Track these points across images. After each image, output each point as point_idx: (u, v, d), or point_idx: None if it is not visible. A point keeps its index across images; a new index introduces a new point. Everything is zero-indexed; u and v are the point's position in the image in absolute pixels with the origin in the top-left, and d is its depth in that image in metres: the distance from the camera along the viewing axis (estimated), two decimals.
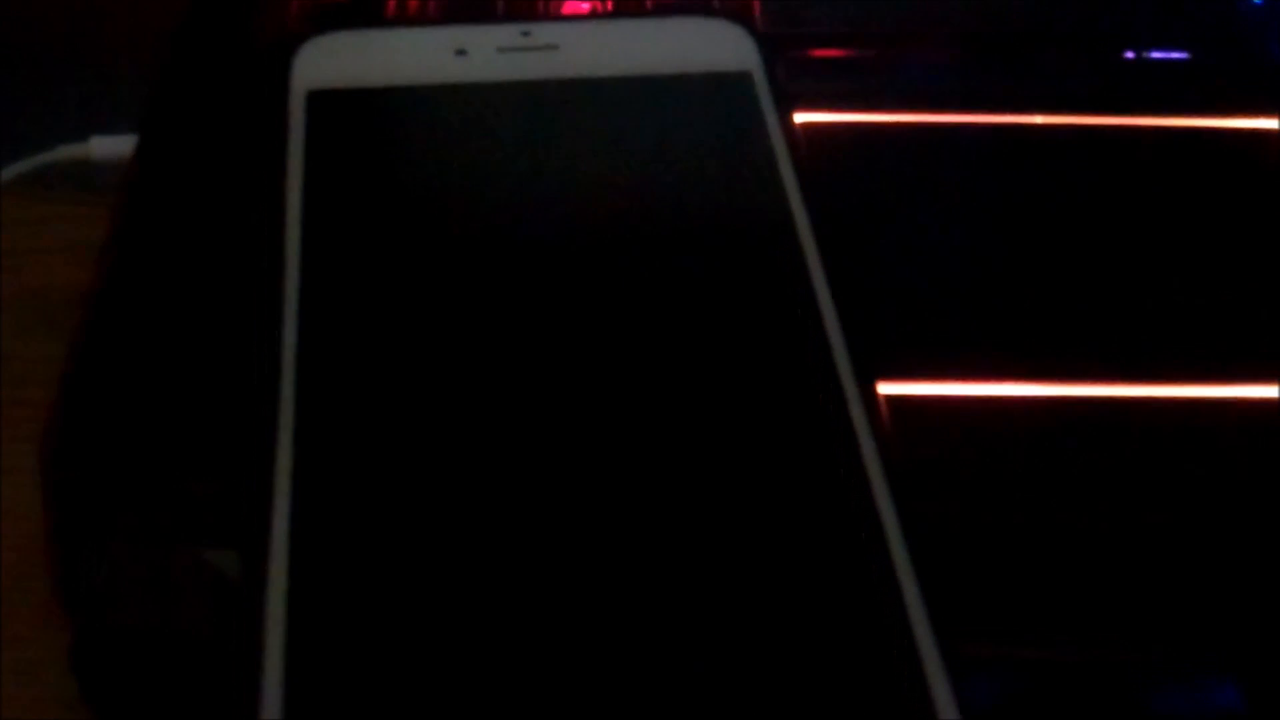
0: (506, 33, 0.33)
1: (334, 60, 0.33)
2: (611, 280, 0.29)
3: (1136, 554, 0.29)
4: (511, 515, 0.25)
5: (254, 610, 0.24)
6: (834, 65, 0.38)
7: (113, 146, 0.38)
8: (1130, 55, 0.38)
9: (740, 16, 0.34)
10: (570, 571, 0.25)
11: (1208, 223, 0.34)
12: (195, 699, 0.30)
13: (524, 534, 0.25)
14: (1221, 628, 0.28)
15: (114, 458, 0.29)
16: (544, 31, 0.33)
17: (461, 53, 0.33)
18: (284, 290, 0.28)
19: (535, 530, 0.25)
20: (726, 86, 0.33)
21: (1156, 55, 0.38)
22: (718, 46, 0.33)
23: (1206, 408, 0.30)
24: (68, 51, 0.42)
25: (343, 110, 0.32)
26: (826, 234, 0.30)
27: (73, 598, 0.30)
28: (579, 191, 0.31)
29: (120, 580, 0.29)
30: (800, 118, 0.33)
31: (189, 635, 0.29)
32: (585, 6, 0.40)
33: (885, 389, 0.27)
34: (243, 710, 0.23)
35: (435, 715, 0.23)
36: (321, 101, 0.32)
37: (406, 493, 0.25)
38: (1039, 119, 0.36)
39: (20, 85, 0.44)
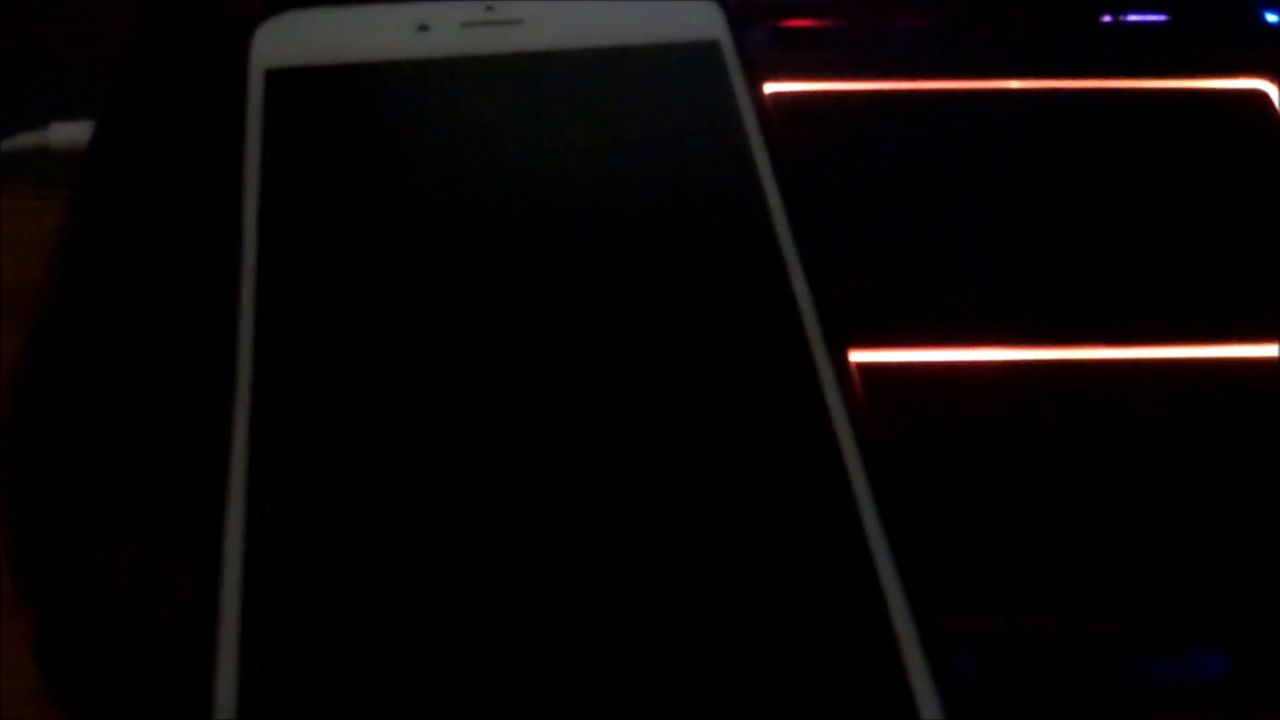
0: (469, 8, 0.33)
1: (293, 38, 0.32)
2: (581, 254, 0.29)
3: (1119, 522, 0.29)
4: (472, 490, 0.25)
5: (209, 600, 0.23)
6: (804, 34, 0.38)
7: (72, 133, 0.37)
8: (1107, 19, 0.38)
9: None
10: (534, 553, 0.24)
11: (1186, 185, 0.34)
12: (160, 689, 0.29)
13: (486, 510, 0.24)
14: (1206, 597, 0.28)
15: (68, 448, 0.29)
16: (508, 7, 0.33)
17: (424, 28, 0.32)
18: (241, 276, 0.28)
19: (497, 502, 0.25)
20: (694, 57, 0.32)
21: (1134, 18, 0.38)
22: (685, 17, 0.33)
23: (1189, 369, 0.30)
24: (25, 38, 0.42)
25: (303, 89, 0.32)
26: (797, 204, 0.29)
27: (32, 590, 0.29)
28: (545, 167, 0.31)
29: (79, 570, 0.29)
30: (770, 88, 0.32)
31: (154, 624, 0.29)
32: None
33: (858, 357, 0.27)
34: (199, 700, 0.22)
35: (391, 707, 0.22)
36: (281, 80, 0.32)
37: (364, 481, 0.25)
38: (1015, 84, 0.36)
39: None
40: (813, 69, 0.36)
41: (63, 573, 0.29)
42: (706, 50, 0.32)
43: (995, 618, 0.27)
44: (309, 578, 0.24)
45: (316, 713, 0.22)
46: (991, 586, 0.28)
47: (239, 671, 0.23)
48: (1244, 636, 0.28)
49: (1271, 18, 0.37)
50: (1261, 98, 0.36)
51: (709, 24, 0.33)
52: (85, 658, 0.30)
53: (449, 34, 0.32)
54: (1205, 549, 0.28)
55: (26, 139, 0.38)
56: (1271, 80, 0.36)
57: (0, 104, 0.39)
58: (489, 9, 0.33)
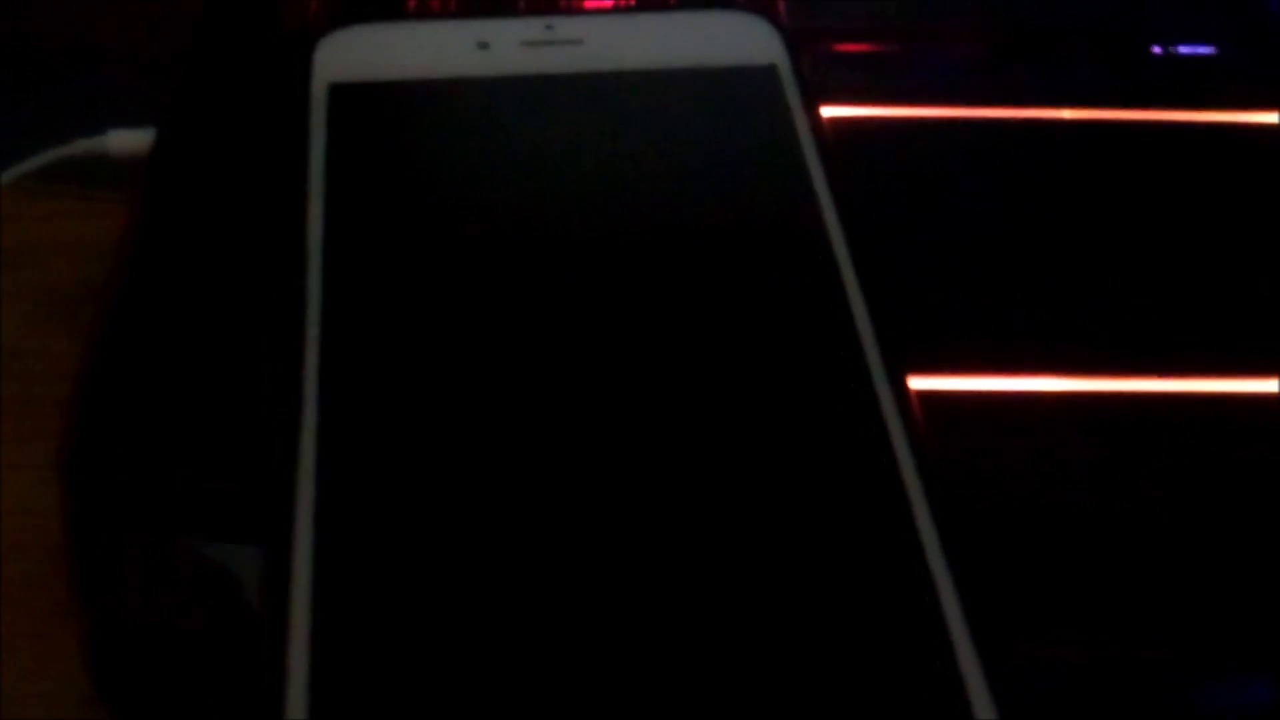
0: (529, 26, 0.33)
1: (355, 53, 0.32)
2: (638, 276, 0.29)
3: (1176, 550, 0.28)
4: (537, 508, 0.25)
5: (278, 608, 0.24)
6: (860, 59, 0.38)
7: (130, 140, 0.37)
8: (1158, 50, 0.38)
9: (765, 10, 0.34)
10: (598, 568, 0.24)
11: (1235, 218, 0.34)
12: (209, 695, 0.29)
13: (550, 527, 0.25)
14: (1264, 626, 0.28)
15: (132, 454, 0.29)
16: (567, 25, 0.33)
17: (484, 46, 0.33)
18: (306, 287, 0.28)
19: (560, 526, 0.25)
20: (752, 80, 0.32)
21: (1184, 50, 0.38)
22: (742, 40, 0.33)
23: (1247, 402, 0.30)
24: (84, 45, 0.42)
25: (365, 104, 0.32)
26: (855, 228, 0.29)
27: (90, 593, 0.30)
28: (604, 187, 0.31)
29: (137, 576, 0.29)
30: (827, 111, 0.32)
31: (202, 631, 0.29)
32: (608, 1, 0.40)
33: (917, 384, 0.27)
34: (267, 708, 0.23)
35: (459, 712, 0.22)
36: (343, 95, 0.32)
37: (430, 491, 0.25)
38: (1066, 113, 0.36)
39: (36, 79, 0.43)
40: (869, 93, 0.36)
41: (119, 578, 0.29)
42: (764, 74, 0.33)
43: (1054, 646, 0.27)
44: (380, 583, 0.24)
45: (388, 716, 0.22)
46: (1050, 615, 0.28)
47: (309, 678, 0.23)
48: None
49: None
50: None
51: (767, 47, 0.33)
52: (138, 662, 0.30)
53: (509, 52, 0.33)
54: (1263, 579, 0.28)
55: (85, 145, 0.38)
56: None
57: (54, 109, 0.40)
58: (549, 27, 0.33)
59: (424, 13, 0.39)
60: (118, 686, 0.31)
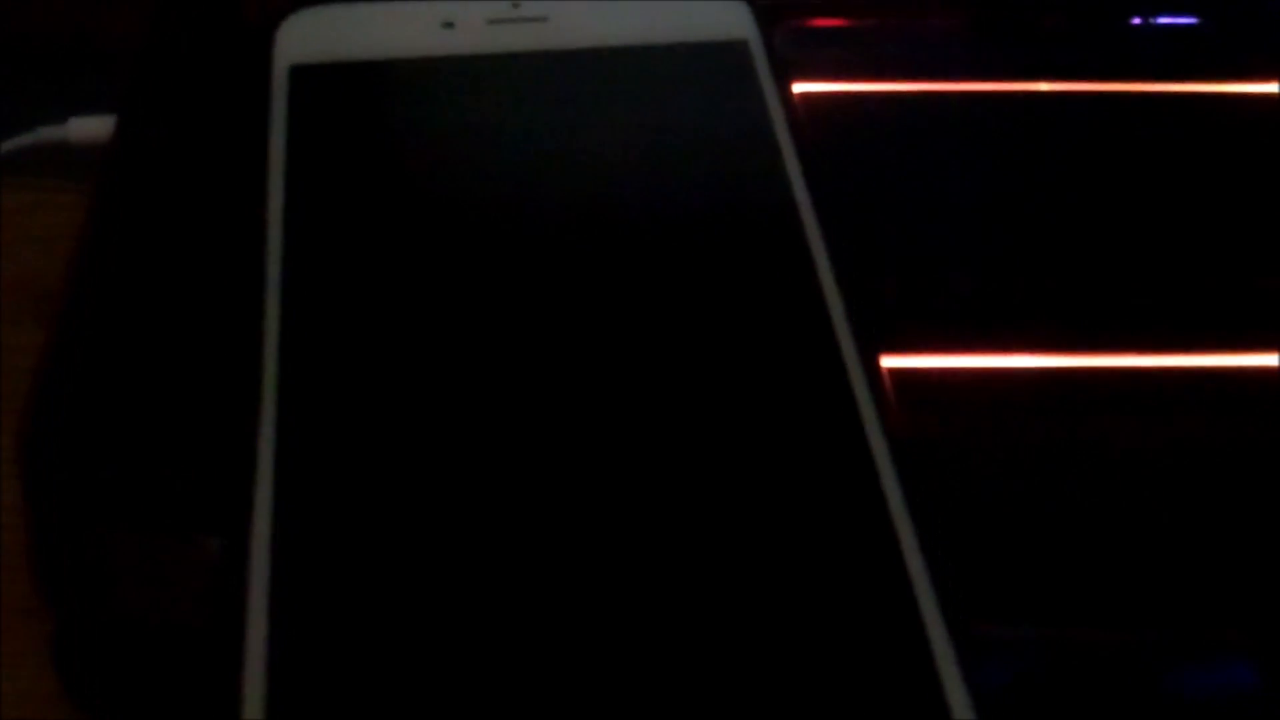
0: (495, 5, 0.33)
1: (318, 35, 0.32)
2: (607, 255, 0.28)
3: (1152, 531, 0.28)
4: (497, 489, 0.24)
5: (237, 600, 0.23)
6: (833, 34, 0.37)
7: (91, 128, 0.37)
8: (1137, 21, 0.37)
9: None
10: (559, 542, 0.24)
11: (1218, 189, 0.34)
12: (179, 691, 0.29)
13: (510, 507, 0.24)
14: (1239, 608, 0.28)
15: (91, 447, 0.28)
16: (533, 4, 0.33)
17: (449, 25, 0.32)
18: (266, 272, 0.28)
19: (521, 503, 0.24)
20: (722, 56, 0.32)
21: (1164, 21, 0.37)
22: (713, 16, 0.33)
23: (1226, 377, 0.30)
24: (45, 32, 0.42)
25: (327, 86, 0.31)
26: (827, 206, 0.29)
27: (53, 590, 0.29)
28: (572, 166, 0.30)
29: (103, 569, 0.29)
30: (799, 88, 0.32)
31: (174, 624, 0.28)
32: None
33: (889, 363, 0.26)
34: (226, 703, 0.22)
35: (420, 708, 0.22)
36: (305, 77, 0.31)
37: (390, 479, 0.25)
38: (1045, 86, 0.36)
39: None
40: (841, 69, 0.35)
41: (83, 574, 0.29)
42: (735, 50, 0.32)
43: (1028, 627, 0.27)
44: (337, 577, 0.23)
45: (346, 713, 0.22)
46: (1024, 596, 0.27)
47: (267, 672, 0.22)
48: (1276, 649, 0.28)
49: None
50: None
51: (737, 23, 0.32)
52: (104, 659, 0.30)
53: (474, 31, 0.32)
54: (1239, 560, 0.28)
55: (46, 133, 0.37)
56: None
57: (17, 98, 0.39)
58: (514, 6, 0.33)
59: None
60: (84, 684, 0.30)
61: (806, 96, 0.34)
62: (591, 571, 0.24)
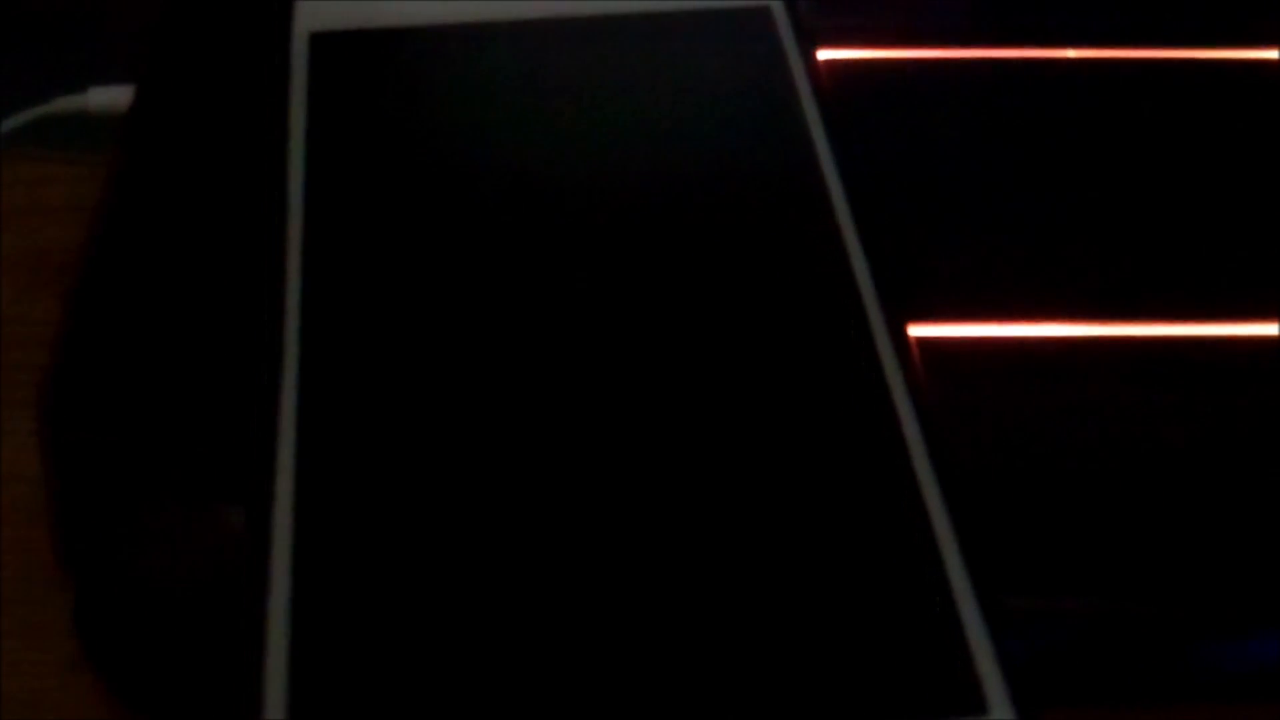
0: None
1: (338, 2, 0.32)
2: (632, 223, 0.28)
3: (1182, 503, 0.28)
4: (519, 467, 0.24)
5: (259, 569, 0.23)
6: (856, 0, 0.37)
7: (111, 97, 0.37)
8: None
9: None
10: (587, 523, 0.24)
11: (1238, 158, 0.33)
12: (201, 659, 0.29)
13: (531, 484, 0.24)
14: (1268, 581, 0.27)
15: (114, 415, 0.28)
16: None
17: None
18: (289, 241, 0.27)
19: (542, 474, 0.24)
20: (747, 22, 0.32)
21: None
22: None
23: (1256, 346, 0.29)
24: (65, 1, 0.41)
25: (347, 53, 0.31)
26: (852, 172, 0.29)
27: (74, 558, 0.29)
28: (594, 134, 0.30)
29: (125, 538, 0.28)
30: (823, 54, 0.31)
31: (197, 593, 0.28)
32: None
33: (916, 331, 0.26)
34: (247, 676, 0.22)
35: (440, 682, 0.22)
36: (325, 45, 0.31)
37: (412, 448, 0.25)
38: (1071, 53, 0.35)
39: (16, 36, 0.43)
40: (865, 35, 0.35)
41: (103, 541, 0.29)
42: (758, 15, 0.32)
43: (1057, 599, 0.27)
44: (359, 545, 0.23)
45: (369, 686, 0.22)
46: (1054, 568, 0.27)
47: (290, 644, 0.22)
48: None
49: None
50: None
51: None
52: (123, 625, 0.30)
53: None
54: (1269, 532, 0.28)
55: (65, 103, 0.37)
56: None
57: (37, 68, 0.39)
58: None
59: None
60: (105, 651, 0.30)
61: (831, 63, 0.34)
62: (616, 532, 0.23)
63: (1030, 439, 0.28)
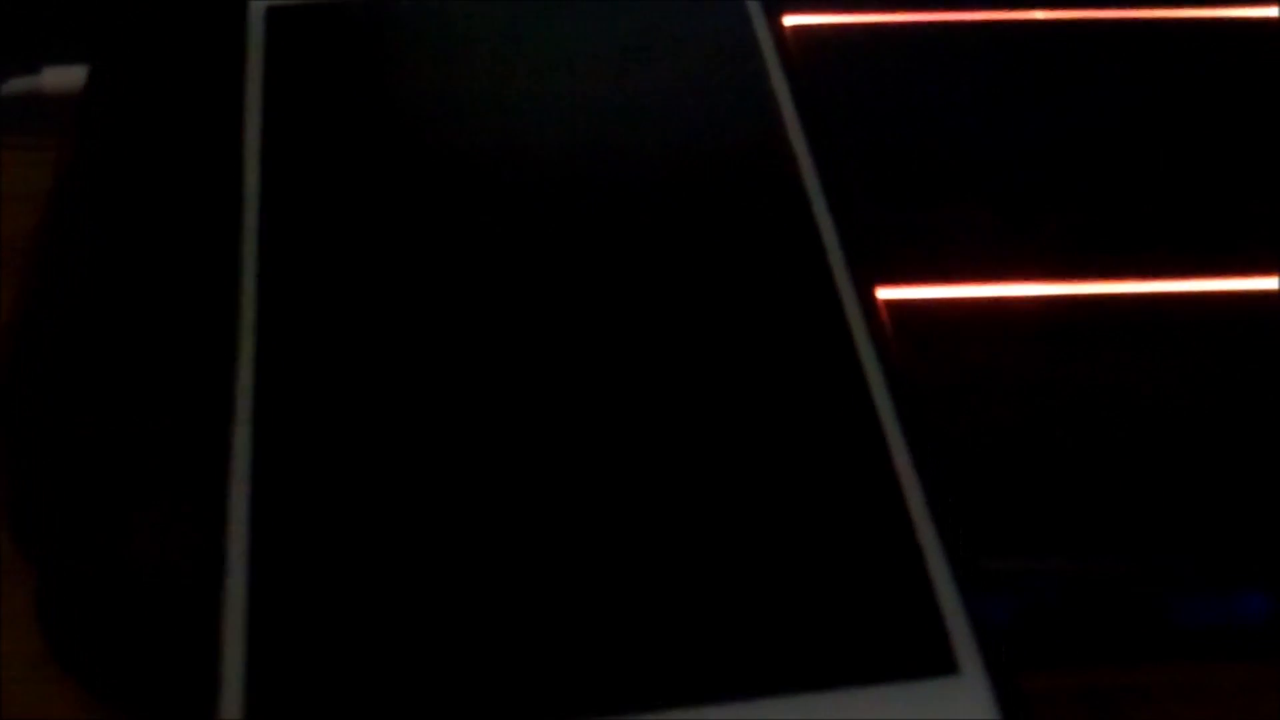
0: None
1: None
2: (596, 193, 0.28)
3: (1158, 461, 0.28)
4: (482, 463, 0.24)
5: (217, 556, 0.23)
6: None
7: (65, 77, 0.36)
8: None
9: None
10: (548, 499, 0.23)
11: (1218, 115, 0.33)
12: (163, 649, 0.28)
13: (496, 482, 0.24)
14: (1246, 538, 0.27)
15: (65, 403, 0.28)
16: None
17: None
18: (244, 222, 0.27)
19: (506, 474, 0.24)
20: None
21: None
22: None
23: (1228, 302, 0.29)
24: None
25: (304, 27, 0.31)
26: (820, 137, 0.28)
27: (31, 549, 0.29)
28: (555, 106, 0.29)
29: (79, 529, 0.28)
30: (789, 20, 0.31)
31: (156, 582, 0.28)
32: None
33: (885, 294, 0.26)
34: (204, 658, 0.22)
35: (398, 681, 0.21)
36: (281, 18, 0.31)
37: (370, 433, 0.24)
38: (1039, 15, 0.35)
39: None
40: (831, 1, 0.35)
41: (62, 531, 0.28)
42: None
43: (1031, 559, 0.26)
44: (316, 530, 0.23)
45: (326, 676, 0.21)
46: (1027, 527, 0.27)
47: (246, 644, 0.22)
48: None
49: None
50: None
51: None
52: (87, 616, 0.29)
53: None
54: (1246, 489, 0.27)
55: (18, 84, 0.37)
56: None
57: None
58: None
59: None
60: (67, 643, 0.30)
61: (797, 28, 0.33)
62: (577, 503, 0.23)
63: (1002, 400, 0.28)
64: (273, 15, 0.31)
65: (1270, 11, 0.35)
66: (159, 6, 0.35)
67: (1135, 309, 0.29)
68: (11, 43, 0.37)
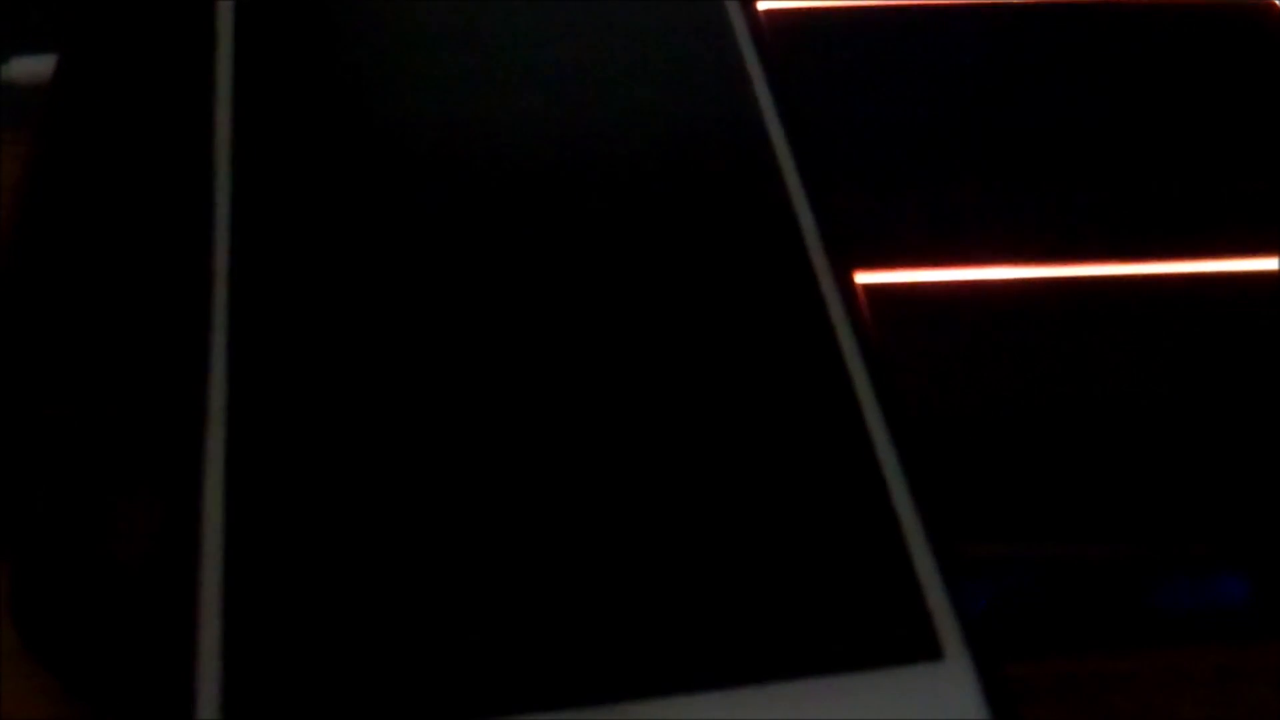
0: None
1: None
2: (569, 177, 0.28)
3: (1137, 445, 0.28)
4: (456, 456, 0.24)
5: (191, 548, 0.22)
6: None
7: (33, 68, 0.36)
8: None
9: None
10: (522, 488, 0.23)
11: (1199, 98, 0.33)
12: (136, 641, 0.28)
13: (470, 475, 0.23)
14: (1227, 521, 0.27)
15: (36, 396, 0.27)
16: None
17: None
18: (215, 212, 0.27)
19: (479, 466, 0.23)
20: None
21: None
22: None
23: (1208, 285, 0.29)
24: None
25: (274, 15, 0.30)
26: (795, 122, 0.28)
27: (5, 542, 0.28)
28: (529, 87, 0.29)
29: (52, 521, 0.28)
30: (763, 4, 0.31)
31: (130, 575, 0.28)
32: None
33: (863, 279, 0.26)
34: (178, 651, 0.21)
35: (374, 678, 0.21)
36: (251, 6, 0.30)
37: (345, 422, 0.24)
38: None
39: None
40: None
41: (36, 524, 0.28)
42: None
43: (1012, 544, 0.26)
44: (290, 521, 0.23)
45: (303, 668, 0.21)
46: (1008, 513, 0.27)
47: (222, 643, 0.21)
48: (1264, 561, 0.27)
49: None
50: (1269, 8, 0.35)
51: None
52: (60, 610, 0.29)
53: None
54: (1226, 472, 0.27)
55: None
56: None
57: None
58: None
59: None
60: (44, 639, 0.30)
61: (771, 13, 0.33)
62: (555, 490, 0.23)
63: (983, 385, 0.28)
64: (242, 3, 0.31)
65: None
66: None
67: (1113, 293, 0.29)
68: None
